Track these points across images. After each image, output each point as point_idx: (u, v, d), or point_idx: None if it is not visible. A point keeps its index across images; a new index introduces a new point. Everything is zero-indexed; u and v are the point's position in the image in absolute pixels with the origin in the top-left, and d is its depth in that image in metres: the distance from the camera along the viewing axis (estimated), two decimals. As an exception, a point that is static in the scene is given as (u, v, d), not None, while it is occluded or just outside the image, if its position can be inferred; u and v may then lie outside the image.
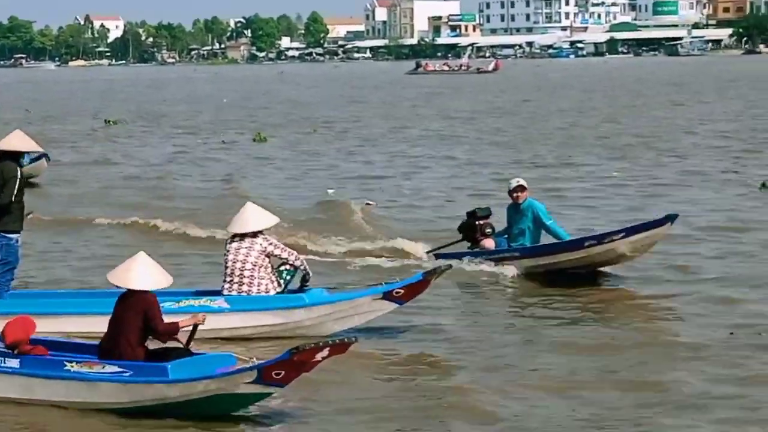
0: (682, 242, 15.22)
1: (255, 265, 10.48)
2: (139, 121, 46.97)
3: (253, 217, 10.72)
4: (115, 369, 8.36)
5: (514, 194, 13.84)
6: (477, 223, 14.04)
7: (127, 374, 8.31)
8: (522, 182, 14.09)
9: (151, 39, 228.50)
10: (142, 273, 8.69)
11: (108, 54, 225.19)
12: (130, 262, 8.89)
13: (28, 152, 12.28)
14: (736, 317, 11.48)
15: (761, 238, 15.88)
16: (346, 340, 8.34)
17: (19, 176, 10.91)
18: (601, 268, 13.71)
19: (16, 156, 11.18)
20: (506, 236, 14.22)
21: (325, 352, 8.02)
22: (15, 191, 10.85)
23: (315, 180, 24.66)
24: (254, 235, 10.53)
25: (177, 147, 34.02)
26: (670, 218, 12.98)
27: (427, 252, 14.67)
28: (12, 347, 8.64)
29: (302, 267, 10.63)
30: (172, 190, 23.02)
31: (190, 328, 8.78)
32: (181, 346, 8.66)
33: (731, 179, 23.14)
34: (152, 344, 8.73)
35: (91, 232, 17.67)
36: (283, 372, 8.02)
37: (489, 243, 14.01)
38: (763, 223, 17.28)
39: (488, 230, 14.06)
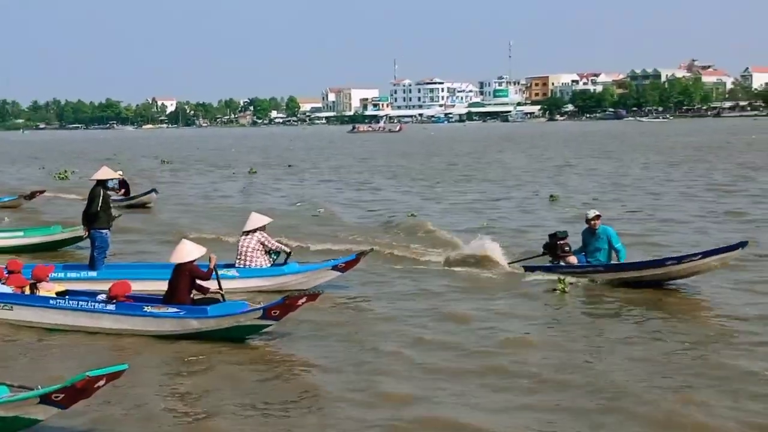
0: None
1: (254, 250, 16.08)
2: (197, 163, 64.87)
3: (253, 221, 16.37)
4: (174, 310, 12.81)
5: (592, 222, 16.45)
6: (558, 242, 16.74)
7: (182, 312, 12.78)
8: (598, 213, 16.71)
9: (192, 111, 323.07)
10: (183, 252, 13.35)
11: (166, 121, 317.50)
12: (178, 246, 13.61)
13: (111, 179, 17.29)
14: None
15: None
16: (316, 292, 12.97)
17: (101, 195, 16.12)
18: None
19: (102, 182, 16.55)
20: (584, 254, 16.60)
21: (304, 299, 12.50)
22: (99, 204, 16.15)
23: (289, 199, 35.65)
24: (254, 231, 16.21)
25: (208, 179, 43.70)
26: (742, 245, 14.91)
27: (510, 263, 17.53)
28: (113, 299, 13.33)
29: (285, 250, 16.40)
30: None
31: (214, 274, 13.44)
32: (217, 297, 13.29)
33: (534, 196, 33.23)
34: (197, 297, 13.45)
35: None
36: (279, 311, 12.36)
37: (572, 259, 16.57)
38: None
39: (567, 248, 16.69)
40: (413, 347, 12.20)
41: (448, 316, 13.97)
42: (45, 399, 8.06)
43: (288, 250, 16.63)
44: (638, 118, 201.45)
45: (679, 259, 15.50)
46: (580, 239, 17.04)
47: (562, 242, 16.74)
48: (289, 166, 57.06)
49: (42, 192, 32.73)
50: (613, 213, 25.38)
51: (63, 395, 8.03)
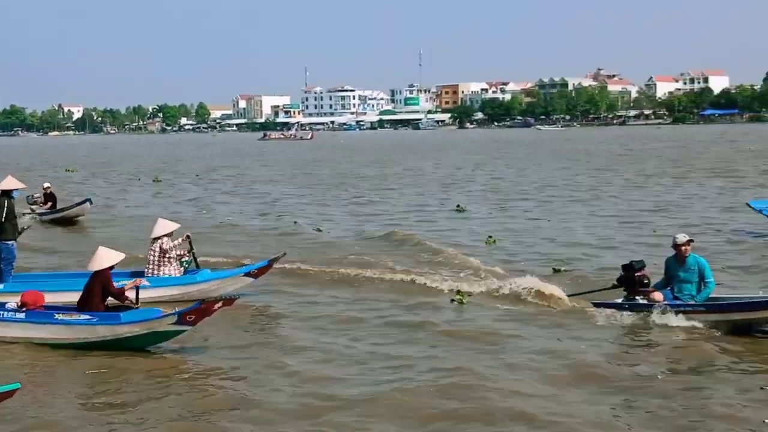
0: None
1: (161, 257, 15.77)
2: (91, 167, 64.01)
3: (159, 227, 16.10)
4: (87, 317, 12.55)
5: (683, 247, 13.73)
6: (636, 275, 14.07)
7: (95, 319, 12.52)
8: (690, 238, 13.98)
9: (99, 118, 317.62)
10: (101, 258, 13.13)
11: (72, 127, 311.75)
12: (96, 253, 13.37)
13: (16, 189, 16.79)
14: None
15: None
16: (232, 297, 12.87)
17: (5, 206, 15.71)
18: None
19: (7, 192, 16.11)
20: (668, 288, 13.85)
21: (220, 303, 12.35)
22: (3, 215, 15.74)
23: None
24: (160, 237, 15.84)
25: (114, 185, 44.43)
26: None
27: (570, 295, 15.19)
28: (23, 306, 13.00)
29: (186, 259, 15.98)
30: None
31: (134, 290, 13.18)
32: (130, 304, 13.08)
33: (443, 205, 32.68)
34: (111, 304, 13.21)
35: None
36: (194, 316, 12.17)
37: (658, 295, 13.69)
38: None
39: (646, 281, 14.07)
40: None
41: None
42: None
43: (189, 259, 16.25)
44: (537, 126, 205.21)
45: None
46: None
47: (640, 274, 14.11)
48: (197, 176, 55.99)
49: None
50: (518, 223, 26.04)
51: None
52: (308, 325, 14.15)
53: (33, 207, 30.14)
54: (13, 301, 13.35)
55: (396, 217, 29.05)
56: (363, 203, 34.67)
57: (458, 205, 31.61)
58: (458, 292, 15.80)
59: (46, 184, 31.44)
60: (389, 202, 34.51)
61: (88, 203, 29.68)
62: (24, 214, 28.01)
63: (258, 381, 11.09)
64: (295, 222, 27.79)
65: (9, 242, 16.11)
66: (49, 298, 13.55)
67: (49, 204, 30.24)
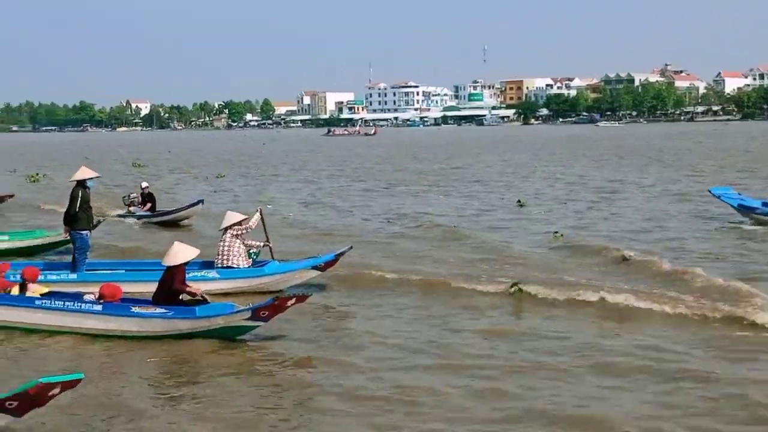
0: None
1: (230, 247, 16.00)
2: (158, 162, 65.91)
3: (228, 218, 16.28)
4: (162, 310, 12.75)
5: None
6: None
7: (170, 313, 12.72)
8: None
9: (166, 114, 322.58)
10: (177, 253, 13.33)
11: (140, 123, 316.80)
12: (171, 248, 13.56)
13: (90, 179, 17.07)
14: None
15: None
16: (305, 294, 12.96)
17: (80, 195, 16.01)
18: None
19: (82, 183, 16.43)
20: None
21: (293, 300, 12.48)
22: (78, 205, 16.18)
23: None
24: (229, 227, 16.05)
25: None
26: None
27: None
28: (101, 298, 13.26)
29: (259, 245, 16.24)
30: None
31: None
32: (202, 299, 13.23)
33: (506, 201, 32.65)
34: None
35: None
36: (268, 312, 12.33)
37: None
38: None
39: None
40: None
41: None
42: None
43: (261, 245, 16.50)
44: (597, 123, 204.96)
45: None
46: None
47: None
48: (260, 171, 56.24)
49: (11, 196, 32.12)
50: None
51: (17, 402, 7.66)
52: (377, 314, 14.26)
53: (131, 208, 27.80)
54: (86, 291, 13.65)
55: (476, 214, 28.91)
56: (424, 196, 34.66)
57: (519, 200, 31.38)
58: (514, 284, 15.60)
59: (145, 184, 29.00)
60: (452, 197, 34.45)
61: (200, 204, 26.99)
62: (121, 216, 27.32)
63: (326, 372, 11.15)
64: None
65: (83, 232, 16.51)
66: (124, 289, 13.73)
67: (149, 205, 27.64)
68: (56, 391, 7.69)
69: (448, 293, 15.80)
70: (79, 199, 16.43)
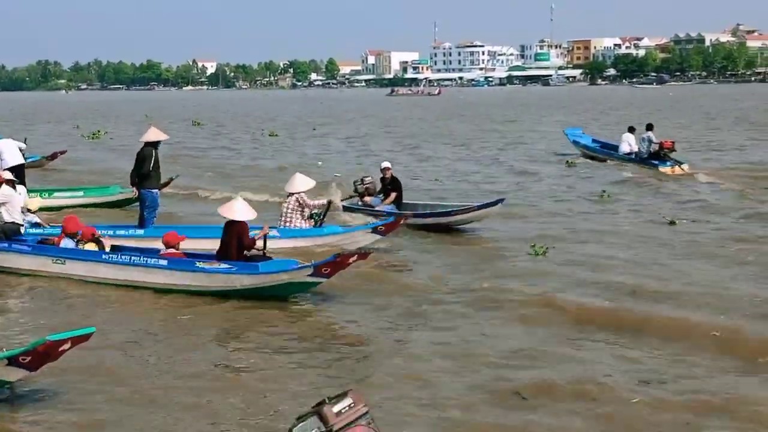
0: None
1: (293, 210, 16.23)
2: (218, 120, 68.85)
3: (294, 183, 16.46)
4: (226, 266, 12.82)
5: None
6: None
7: (234, 269, 12.77)
8: None
9: (232, 74, 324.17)
10: (239, 209, 13.39)
11: (206, 82, 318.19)
12: (233, 202, 13.64)
13: (159, 140, 17.28)
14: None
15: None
16: (367, 251, 12.95)
17: (152, 156, 16.22)
18: None
19: (153, 143, 16.67)
20: None
21: (355, 257, 12.41)
22: (151, 165, 16.44)
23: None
24: (296, 193, 16.28)
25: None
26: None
27: None
28: (167, 246, 13.44)
29: (323, 203, 16.31)
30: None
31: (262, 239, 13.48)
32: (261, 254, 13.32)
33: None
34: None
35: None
36: (330, 269, 12.23)
37: None
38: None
39: None
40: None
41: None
42: (13, 361, 8.07)
43: (325, 203, 16.51)
44: (635, 85, 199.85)
45: None
46: None
47: None
48: (314, 129, 56.36)
49: (63, 152, 32.69)
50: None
51: (29, 358, 8.01)
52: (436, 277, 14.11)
53: (366, 199, 19.66)
54: (154, 249, 13.81)
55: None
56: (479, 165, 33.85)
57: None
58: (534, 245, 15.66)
59: (385, 164, 20.11)
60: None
61: (499, 204, 18.03)
62: (348, 209, 18.66)
63: (382, 339, 11.06)
64: (437, 179, 27.32)
65: (154, 190, 17.02)
66: (186, 245, 13.93)
67: (393, 195, 19.32)
68: (67, 346, 8.01)
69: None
70: (152, 159, 16.77)
